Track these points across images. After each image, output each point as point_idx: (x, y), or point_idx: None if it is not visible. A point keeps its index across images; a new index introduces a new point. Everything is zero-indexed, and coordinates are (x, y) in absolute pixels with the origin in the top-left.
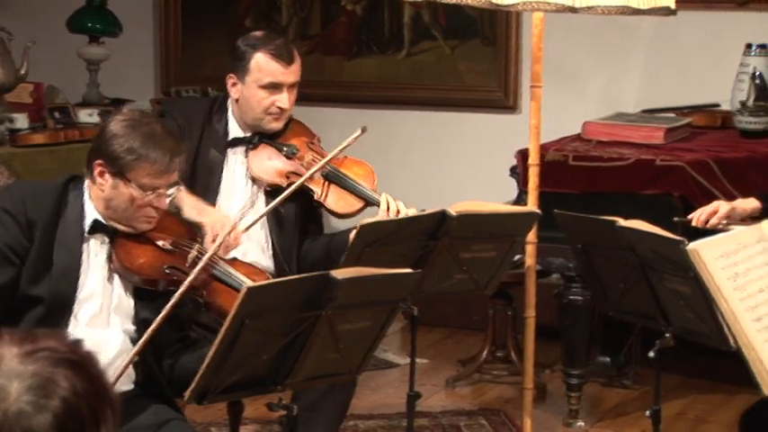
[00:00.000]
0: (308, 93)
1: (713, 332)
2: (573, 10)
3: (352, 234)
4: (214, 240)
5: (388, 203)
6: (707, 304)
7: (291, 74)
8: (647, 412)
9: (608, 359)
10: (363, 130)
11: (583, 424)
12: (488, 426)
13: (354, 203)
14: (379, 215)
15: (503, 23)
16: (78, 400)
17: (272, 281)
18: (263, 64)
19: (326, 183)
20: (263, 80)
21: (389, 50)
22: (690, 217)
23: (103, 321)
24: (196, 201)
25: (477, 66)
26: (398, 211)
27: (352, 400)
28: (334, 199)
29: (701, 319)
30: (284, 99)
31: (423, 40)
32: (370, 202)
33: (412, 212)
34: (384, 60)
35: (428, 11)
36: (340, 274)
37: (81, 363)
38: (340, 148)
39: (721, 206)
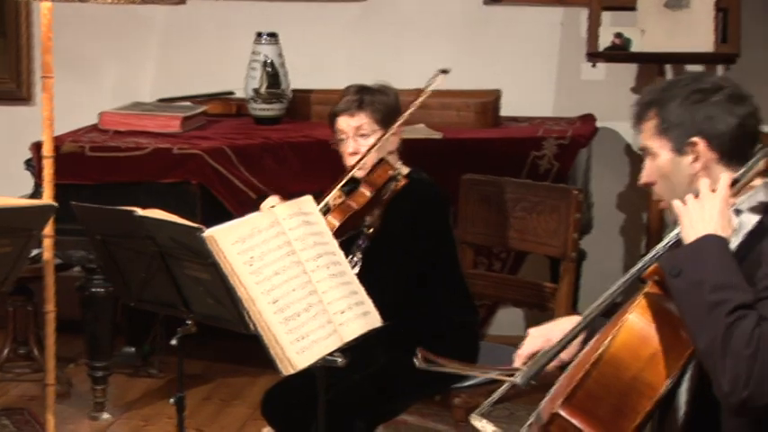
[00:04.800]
0: None
1: (234, 317)
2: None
3: None
4: None
5: None
6: (226, 289)
7: None
8: (172, 399)
9: (133, 349)
10: None
11: (109, 416)
12: (12, 425)
13: None
14: None
15: (12, 13)
16: None
17: None
18: None
19: None
20: None
21: None
22: None
23: None
24: None
25: None
26: None
27: None
28: None
29: (222, 305)
30: None
31: None
32: None
33: None
34: None
35: None
36: None
37: None
38: None
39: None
